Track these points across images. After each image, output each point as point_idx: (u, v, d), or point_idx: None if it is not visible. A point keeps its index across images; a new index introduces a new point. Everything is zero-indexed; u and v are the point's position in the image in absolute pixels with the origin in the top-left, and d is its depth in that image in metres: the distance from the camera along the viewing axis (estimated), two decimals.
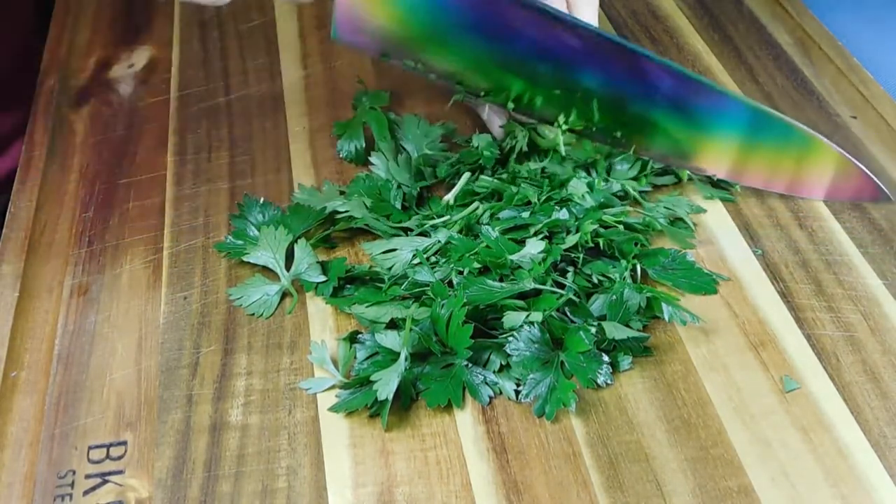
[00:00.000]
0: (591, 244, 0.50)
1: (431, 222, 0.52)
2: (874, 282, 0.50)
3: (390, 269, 0.50)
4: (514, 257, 0.48)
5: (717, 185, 0.56)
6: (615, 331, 0.45)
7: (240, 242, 0.53)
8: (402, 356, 0.44)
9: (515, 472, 0.43)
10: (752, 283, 0.51)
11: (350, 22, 0.51)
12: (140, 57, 0.71)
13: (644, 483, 0.42)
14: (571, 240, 0.50)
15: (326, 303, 0.50)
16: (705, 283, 0.50)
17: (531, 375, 0.45)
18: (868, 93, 0.63)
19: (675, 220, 0.54)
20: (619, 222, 0.51)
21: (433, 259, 0.50)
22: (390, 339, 0.45)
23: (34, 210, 0.57)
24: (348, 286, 0.50)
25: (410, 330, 0.45)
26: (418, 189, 0.55)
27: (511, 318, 0.46)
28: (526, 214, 0.51)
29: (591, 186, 0.53)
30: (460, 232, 0.51)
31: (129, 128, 0.64)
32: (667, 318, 0.47)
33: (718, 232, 0.54)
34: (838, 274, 0.51)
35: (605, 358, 0.45)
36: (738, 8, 0.72)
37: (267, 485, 0.43)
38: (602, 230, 0.51)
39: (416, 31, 0.52)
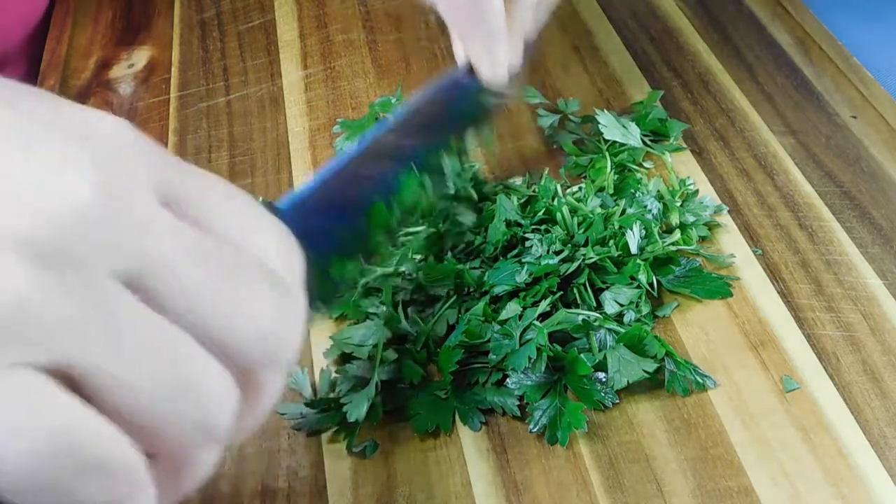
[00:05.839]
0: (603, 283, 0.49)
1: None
2: (874, 282, 0.50)
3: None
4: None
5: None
6: (625, 368, 0.44)
7: None
8: (373, 382, 0.44)
9: (515, 472, 0.43)
10: (752, 283, 0.50)
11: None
12: (140, 57, 0.71)
13: (644, 483, 0.42)
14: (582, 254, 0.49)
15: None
16: (720, 288, 0.49)
17: (535, 404, 0.44)
18: (868, 93, 0.63)
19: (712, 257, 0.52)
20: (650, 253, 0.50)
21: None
22: (361, 367, 0.45)
23: None
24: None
25: (382, 360, 0.45)
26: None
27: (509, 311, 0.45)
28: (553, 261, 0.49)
29: (648, 230, 0.50)
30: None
31: None
32: (666, 384, 0.45)
33: (717, 231, 0.54)
34: (838, 274, 0.51)
35: (604, 377, 0.45)
36: (738, 8, 0.72)
37: (267, 485, 0.42)
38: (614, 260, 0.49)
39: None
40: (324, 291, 0.44)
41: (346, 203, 0.43)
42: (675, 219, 0.52)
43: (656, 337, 0.45)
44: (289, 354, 0.26)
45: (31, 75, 0.72)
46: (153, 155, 0.24)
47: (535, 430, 0.44)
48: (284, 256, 0.26)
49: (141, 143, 0.24)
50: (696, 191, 0.55)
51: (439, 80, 0.47)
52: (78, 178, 0.22)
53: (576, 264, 0.48)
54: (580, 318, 0.46)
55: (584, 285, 0.48)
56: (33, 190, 0.21)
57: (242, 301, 0.24)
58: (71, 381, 0.21)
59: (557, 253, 0.49)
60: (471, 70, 0.47)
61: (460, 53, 0.48)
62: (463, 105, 0.50)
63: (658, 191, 0.53)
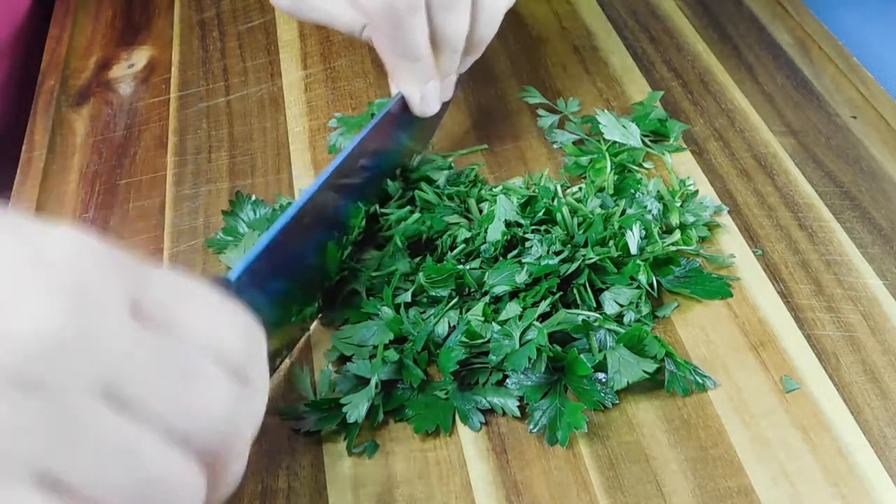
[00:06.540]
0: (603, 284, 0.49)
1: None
2: (874, 282, 0.50)
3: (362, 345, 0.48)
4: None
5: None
6: (625, 369, 0.44)
7: (230, 238, 0.53)
8: (373, 382, 0.44)
9: (515, 472, 0.43)
10: (752, 283, 0.50)
11: None
12: (140, 57, 0.71)
13: (644, 483, 0.42)
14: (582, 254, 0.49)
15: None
16: (720, 288, 0.49)
17: (535, 404, 0.44)
18: (868, 93, 0.63)
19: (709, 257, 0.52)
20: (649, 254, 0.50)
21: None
22: (361, 367, 0.45)
23: (34, 210, 0.57)
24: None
25: (384, 360, 0.45)
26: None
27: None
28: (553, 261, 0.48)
29: (648, 230, 0.50)
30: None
31: (129, 128, 0.64)
32: (666, 384, 0.45)
33: (717, 231, 0.54)
34: (838, 274, 0.51)
35: (604, 377, 0.45)
36: (738, 8, 0.72)
37: (267, 484, 0.42)
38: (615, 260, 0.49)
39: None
40: (289, 338, 0.46)
41: (299, 253, 0.45)
42: (675, 219, 0.52)
43: (656, 337, 0.45)
44: (248, 435, 0.28)
45: (16, 71, 0.72)
46: (118, 265, 0.26)
47: (535, 430, 0.44)
48: (244, 344, 0.28)
49: (105, 256, 0.26)
50: (696, 191, 0.55)
51: (377, 116, 0.51)
52: (49, 306, 0.23)
53: (576, 265, 0.48)
54: (580, 318, 0.46)
55: (584, 286, 0.48)
56: (6, 321, 0.23)
57: (202, 398, 0.26)
58: (57, 484, 0.24)
59: (557, 253, 0.49)
60: (405, 103, 0.51)
61: (394, 88, 0.51)
62: (401, 135, 0.53)
63: (658, 191, 0.53)
